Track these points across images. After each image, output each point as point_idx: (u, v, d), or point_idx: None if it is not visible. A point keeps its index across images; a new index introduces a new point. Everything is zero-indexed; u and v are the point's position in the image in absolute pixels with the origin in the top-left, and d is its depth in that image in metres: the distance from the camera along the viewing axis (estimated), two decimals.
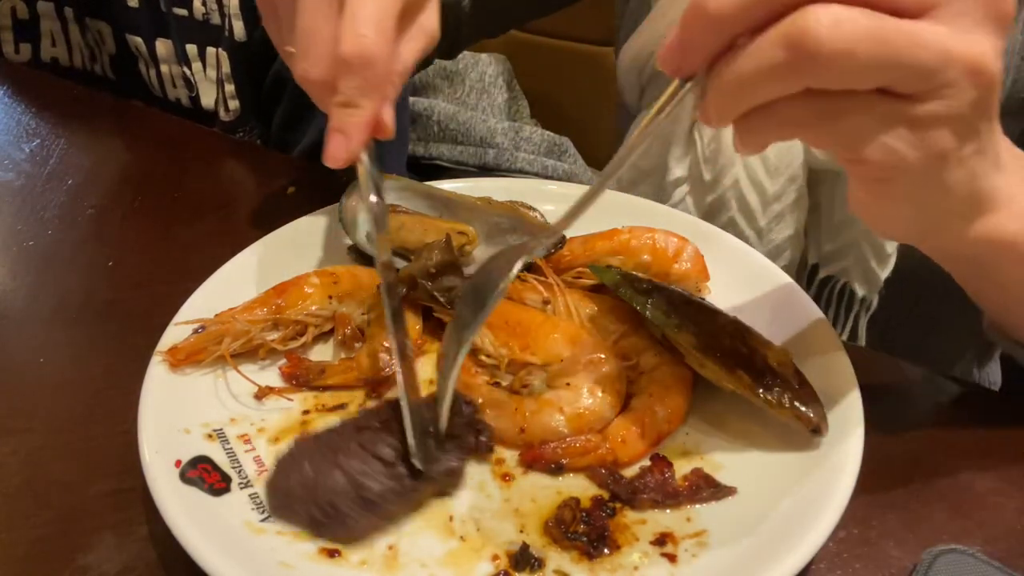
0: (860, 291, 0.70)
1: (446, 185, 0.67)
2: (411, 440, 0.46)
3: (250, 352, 0.55)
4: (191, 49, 0.87)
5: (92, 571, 0.46)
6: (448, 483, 0.48)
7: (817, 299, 0.71)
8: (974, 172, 0.41)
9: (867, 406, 0.49)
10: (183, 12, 0.86)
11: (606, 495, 0.48)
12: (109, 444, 0.52)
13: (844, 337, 0.71)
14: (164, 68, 0.89)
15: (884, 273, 0.70)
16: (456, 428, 0.48)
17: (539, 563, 0.44)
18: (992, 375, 0.77)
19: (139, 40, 0.89)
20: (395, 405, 0.48)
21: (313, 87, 0.50)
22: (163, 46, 0.88)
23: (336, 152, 0.49)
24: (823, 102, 0.37)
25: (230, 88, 0.88)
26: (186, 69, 0.88)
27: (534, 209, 0.64)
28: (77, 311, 0.64)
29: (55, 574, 0.46)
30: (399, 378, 0.48)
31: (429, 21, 0.52)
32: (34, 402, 0.56)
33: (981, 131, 0.40)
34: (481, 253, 0.63)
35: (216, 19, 0.86)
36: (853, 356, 0.52)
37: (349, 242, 0.63)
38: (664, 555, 0.45)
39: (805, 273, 0.72)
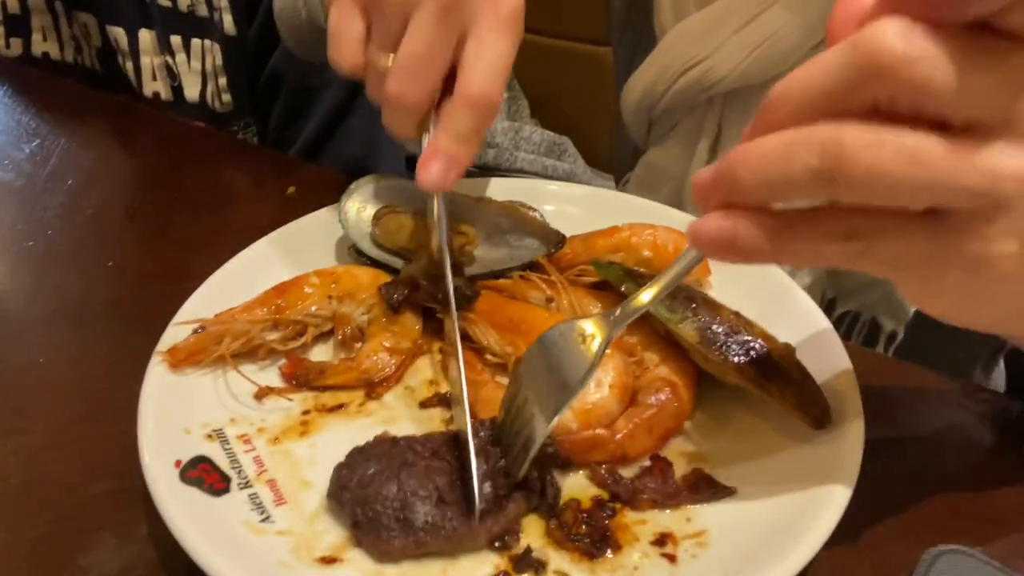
0: (888, 325, 0.68)
1: None
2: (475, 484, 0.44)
3: (250, 352, 0.55)
4: (175, 40, 0.87)
5: (92, 571, 0.46)
6: (494, 539, 0.45)
7: (836, 328, 0.69)
8: None
9: (867, 406, 0.48)
10: (167, 3, 0.86)
11: (606, 495, 0.48)
12: (109, 444, 0.51)
13: None
14: (145, 60, 0.89)
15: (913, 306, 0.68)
16: (527, 480, 0.46)
17: (541, 565, 0.44)
18: (997, 378, 0.77)
19: (120, 31, 0.88)
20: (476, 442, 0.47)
21: (402, 107, 0.51)
22: (146, 36, 0.88)
23: (441, 175, 0.50)
24: (857, 222, 0.35)
25: (222, 81, 0.88)
26: (169, 59, 0.87)
27: (534, 209, 0.64)
28: (77, 311, 0.64)
29: (55, 574, 0.46)
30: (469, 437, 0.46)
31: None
32: (34, 402, 0.56)
33: None
34: (481, 253, 0.63)
35: (203, 11, 0.85)
36: (854, 356, 0.52)
37: (350, 242, 0.62)
38: (664, 555, 0.44)
39: (822, 306, 0.70)
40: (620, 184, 0.76)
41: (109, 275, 0.67)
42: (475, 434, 0.47)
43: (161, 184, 0.77)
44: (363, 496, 0.45)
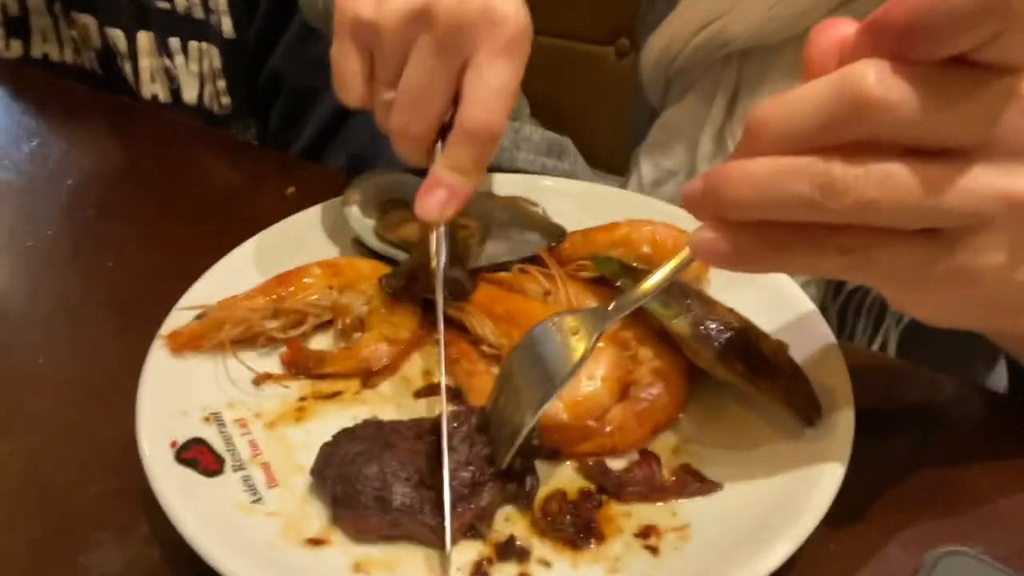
0: None
1: None
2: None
3: (250, 340, 0.56)
4: (174, 42, 0.87)
5: (92, 571, 0.45)
6: (466, 528, 0.45)
7: (843, 312, 0.69)
8: None
9: (869, 407, 0.48)
10: (166, 5, 0.87)
11: (593, 487, 0.48)
12: (109, 444, 0.51)
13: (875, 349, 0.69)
14: (144, 62, 0.89)
15: None
16: (509, 470, 0.46)
17: (524, 554, 0.45)
18: (998, 379, 0.76)
19: (119, 33, 0.89)
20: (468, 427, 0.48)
21: (407, 139, 0.51)
22: (145, 38, 0.88)
23: (440, 206, 0.50)
24: (851, 238, 0.36)
25: (221, 84, 0.88)
26: (167, 61, 0.88)
27: (536, 204, 0.65)
28: (77, 311, 0.64)
29: (55, 574, 0.46)
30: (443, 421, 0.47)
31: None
32: (34, 402, 0.56)
33: None
34: (482, 246, 0.63)
35: (199, 13, 0.86)
36: (854, 357, 0.51)
37: (353, 235, 0.63)
38: (647, 547, 0.45)
39: (832, 285, 0.71)
40: (633, 155, 0.76)
41: (109, 275, 0.67)
42: (463, 421, 0.47)
43: (161, 184, 0.77)
44: (344, 474, 0.45)
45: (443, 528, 0.43)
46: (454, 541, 0.43)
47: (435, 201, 0.50)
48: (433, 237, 0.53)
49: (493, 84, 0.49)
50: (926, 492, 0.48)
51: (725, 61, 0.68)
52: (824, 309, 0.71)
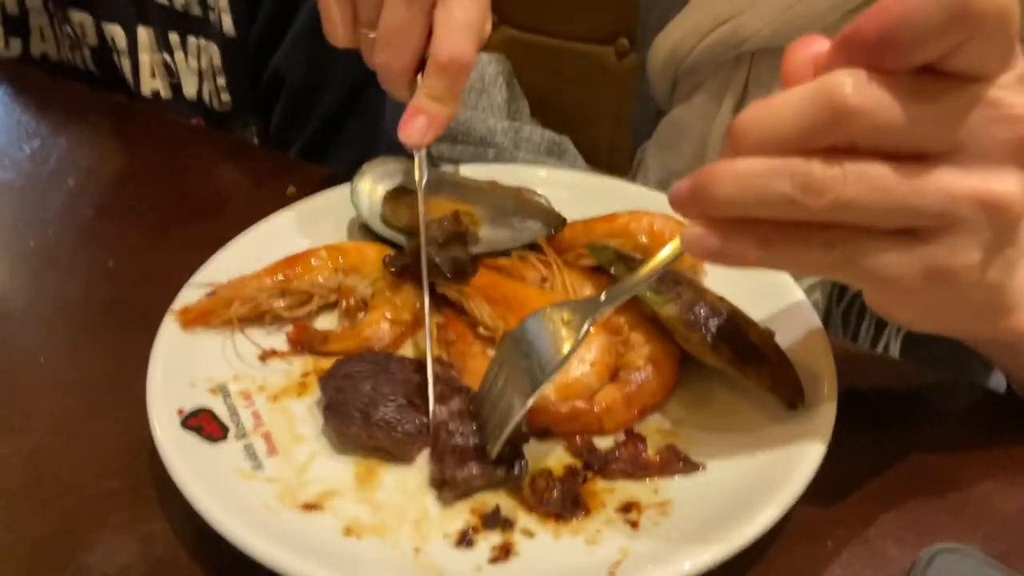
0: None
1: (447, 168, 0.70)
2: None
3: (258, 317, 0.58)
4: (173, 37, 0.88)
5: (93, 571, 0.46)
6: (440, 482, 0.48)
7: (846, 317, 0.70)
8: (1003, 285, 0.41)
9: (868, 406, 0.49)
10: (164, 1, 0.87)
11: (580, 464, 0.50)
12: (109, 444, 0.52)
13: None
14: (144, 57, 0.88)
15: None
16: (499, 457, 0.48)
17: (509, 524, 0.46)
18: (997, 378, 0.76)
19: (117, 28, 0.88)
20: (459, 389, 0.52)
21: (390, 74, 0.56)
22: (145, 33, 0.88)
23: (419, 132, 0.55)
24: (835, 235, 0.38)
25: (221, 82, 0.88)
26: (167, 56, 0.88)
27: (539, 194, 0.66)
28: (77, 311, 0.64)
29: (56, 573, 0.46)
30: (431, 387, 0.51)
31: (488, 25, 0.57)
32: (34, 402, 0.56)
33: (1009, 255, 0.40)
34: (485, 233, 0.65)
35: (196, 11, 0.86)
36: (854, 356, 0.53)
37: (360, 220, 0.66)
38: (627, 521, 0.46)
39: (836, 290, 0.71)
40: (638, 152, 0.77)
41: (109, 275, 0.67)
42: (457, 394, 0.50)
43: (161, 184, 0.77)
44: (341, 385, 0.51)
45: (417, 444, 0.49)
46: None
47: (415, 127, 0.55)
48: (416, 169, 0.58)
49: (460, 19, 0.53)
50: (922, 490, 0.49)
51: (736, 61, 0.68)
52: (828, 313, 0.71)
